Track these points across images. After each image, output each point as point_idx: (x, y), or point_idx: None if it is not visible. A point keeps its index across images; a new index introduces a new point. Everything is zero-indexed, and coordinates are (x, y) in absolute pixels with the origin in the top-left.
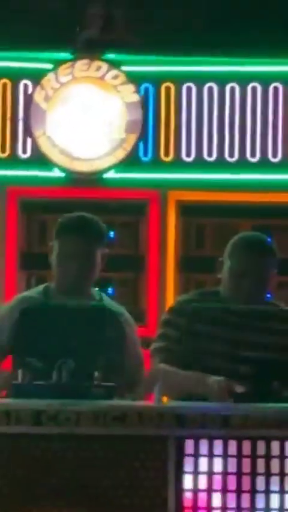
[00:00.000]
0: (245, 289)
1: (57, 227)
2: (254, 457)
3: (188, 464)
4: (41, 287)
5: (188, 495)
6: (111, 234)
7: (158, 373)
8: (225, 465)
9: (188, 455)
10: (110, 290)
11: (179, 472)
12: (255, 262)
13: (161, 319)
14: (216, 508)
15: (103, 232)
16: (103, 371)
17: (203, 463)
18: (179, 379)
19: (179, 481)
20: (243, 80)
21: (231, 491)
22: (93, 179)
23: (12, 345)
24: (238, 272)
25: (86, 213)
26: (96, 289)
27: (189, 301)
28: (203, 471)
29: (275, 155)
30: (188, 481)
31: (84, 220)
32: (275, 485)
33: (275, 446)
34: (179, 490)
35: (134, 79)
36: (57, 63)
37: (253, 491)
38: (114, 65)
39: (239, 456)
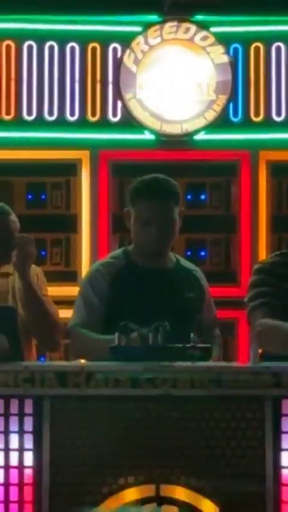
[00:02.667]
0: None
1: (131, 192)
2: None
3: (285, 424)
4: (118, 251)
5: (285, 455)
6: (203, 196)
7: (266, 326)
8: None
9: (285, 415)
10: (202, 251)
11: (276, 432)
12: None
13: (251, 280)
14: None
15: (177, 192)
16: (198, 331)
17: None
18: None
19: (276, 441)
20: None
21: None
22: (183, 141)
23: (106, 310)
24: None
25: (162, 174)
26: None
27: (273, 262)
28: None
29: None
30: (285, 441)
31: (157, 182)
32: None
33: None
34: (277, 450)
35: (223, 40)
36: (146, 26)
37: None
38: (202, 26)
39: None
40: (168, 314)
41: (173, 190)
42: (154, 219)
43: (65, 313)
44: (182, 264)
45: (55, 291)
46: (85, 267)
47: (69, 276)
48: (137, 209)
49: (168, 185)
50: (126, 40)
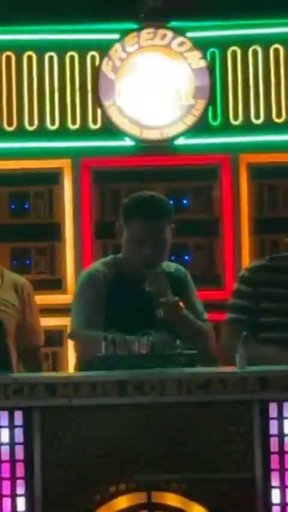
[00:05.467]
0: None
1: (124, 210)
2: None
3: (273, 428)
4: (109, 259)
5: (274, 458)
6: (184, 200)
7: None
8: None
9: (273, 418)
10: (186, 255)
11: (265, 436)
12: None
13: (233, 288)
14: None
15: (170, 211)
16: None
17: None
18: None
19: (264, 444)
20: None
21: None
22: (163, 146)
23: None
24: None
25: (152, 190)
26: None
27: (260, 267)
28: None
29: None
30: (273, 444)
31: (151, 202)
32: None
33: None
34: (265, 453)
35: (200, 45)
36: (123, 34)
37: None
38: (179, 32)
39: None
40: (154, 322)
41: (167, 209)
42: (147, 238)
43: (51, 321)
44: (165, 270)
45: (41, 299)
46: (70, 274)
47: (54, 284)
48: (131, 228)
49: (162, 204)
50: (104, 48)
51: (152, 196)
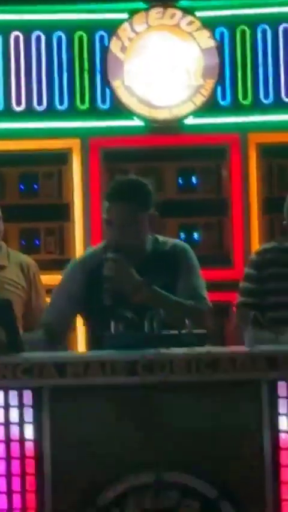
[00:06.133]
0: None
1: (107, 191)
2: None
3: (282, 406)
4: (101, 244)
5: (283, 436)
6: (194, 180)
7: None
8: None
9: (282, 397)
10: (194, 235)
11: (274, 415)
12: None
13: (244, 272)
14: None
15: (147, 198)
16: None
17: None
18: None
19: (273, 423)
20: None
21: None
22: (172, 126)
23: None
24: None
25: (135, 176)
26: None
27: (269, 249)
28: None
29: None
30: (282, 423)
31: (122, 185)
32: None
33: None
34: (274, 432)
35: (209, 24)
36: (132, 13)
37: None
38: (188, 11)
39: None
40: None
41: (140, 193)
42: (114, 221)
43: None
44: (158, 247)
45: (49, 279)
46: (79, 254)
47: (63, 265)
48: (104, 209)
49: (134, 188)
50: (112, 28)
51: (128, 180)
